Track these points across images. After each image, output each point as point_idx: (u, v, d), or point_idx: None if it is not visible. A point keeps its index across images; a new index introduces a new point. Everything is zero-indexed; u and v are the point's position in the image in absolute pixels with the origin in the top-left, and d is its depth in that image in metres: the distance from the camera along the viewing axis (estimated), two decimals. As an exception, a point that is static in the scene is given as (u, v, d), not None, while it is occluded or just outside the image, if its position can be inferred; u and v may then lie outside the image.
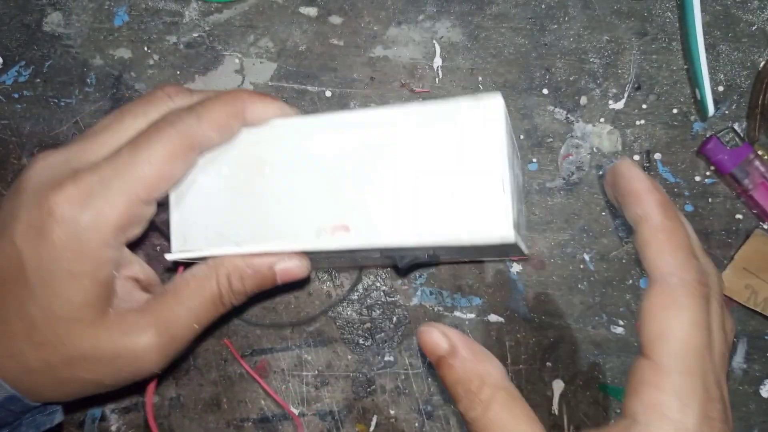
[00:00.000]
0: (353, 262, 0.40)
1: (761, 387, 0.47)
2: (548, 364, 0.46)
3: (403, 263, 0.31)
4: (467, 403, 0.28)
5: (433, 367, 0.46)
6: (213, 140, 0.29)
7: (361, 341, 0.46)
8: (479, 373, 0.28)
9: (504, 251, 0.33)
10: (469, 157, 0.27)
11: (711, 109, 0.45)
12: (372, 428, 0.46)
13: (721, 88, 0.47)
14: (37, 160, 0.29)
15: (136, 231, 0.29)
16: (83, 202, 0.27)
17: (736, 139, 0.45)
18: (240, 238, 0.30)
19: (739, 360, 0.47)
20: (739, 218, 0.47)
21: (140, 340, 0.29)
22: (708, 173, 0.47)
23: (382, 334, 0.46)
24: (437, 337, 0.29)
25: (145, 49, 0.47)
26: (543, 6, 0.47)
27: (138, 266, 0.32)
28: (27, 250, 0.27)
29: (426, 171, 0.28)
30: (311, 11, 0.47)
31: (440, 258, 0.33)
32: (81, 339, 0.28)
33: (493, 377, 0.27)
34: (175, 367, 0.46)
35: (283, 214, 0.29)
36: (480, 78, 0.47)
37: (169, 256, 0.31)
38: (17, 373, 0.28)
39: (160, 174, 0.28)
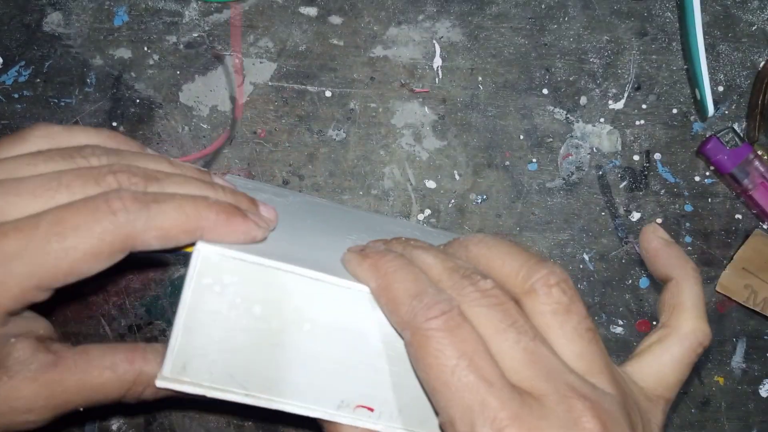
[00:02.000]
0: None
1: (760, 387, 0.47)
2: (548, 363, 0.46)
3: None
4: None
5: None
6: (151, 247, 0.25)
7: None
8: None
9: None
10: None
11: (711, 109, 0.45)
12: (372, 428, 0.46)
13: (720, 88, 0.47)
14: None
15: (25, 309, 0.27)
16: None
17: (736, 139, 0.45)
18: (250, 385, 0.26)
19: (738, 360, 0.47)
20: (738, 218, 0.47)
21: (23, 417, 0.27)
22: (708, 173, 0.47)
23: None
24: None
25: (145, 49, 0.47)
26: (543, 6, 0.47)
27: (42, 328, 0.28)
28: None
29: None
30: (311, 11, 0.47)
31: None
32: None
33: None
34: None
35: (309, 376, 0.27)
36: (480, 78, 0.47)
37: (159, 383, 0.26)
38: None
39: (72, 269, 0.24)
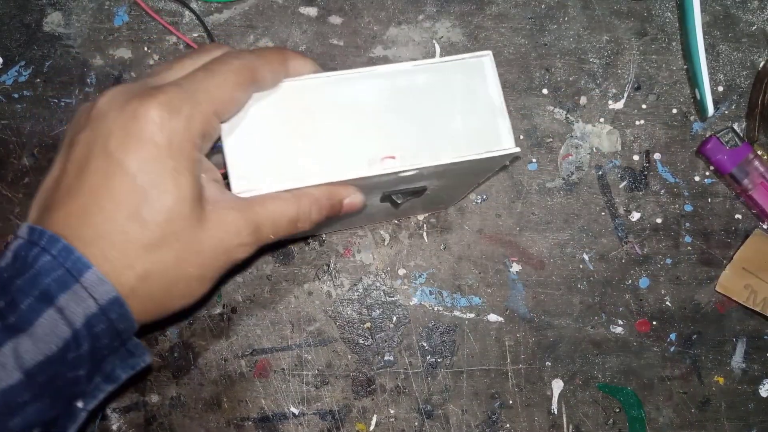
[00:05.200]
0: (369, 218, 0.45)
1: (760, 387, 0.47)
2: (548, 363, 0.46)
3: (401, 200, 0.38)
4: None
5: (433, 366, 0.46)
6: (267, 80, 0.33)
7: (361, 341, 0.46)
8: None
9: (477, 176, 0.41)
10: (476, 97, 0.34)
11: (710, 109, 0.45)
12: (372, 427, 0.46)
13: (720, 88, 0.47)
14: (108, 90, 0.32)
15: (208, 145, 0.33)
16: (174, 110, 0.30)
17: (736, 139, 0.45)
18: (299, 174, 0.34)
19: (738, 360, 0.47)
20: (738, 218, 0.47)
21: (237, 237, 0.33)
22: (707, 173, 0.47)
23: (382, 333, 0.46)
24: None
25: (145, 49, 0.47)
26: (543, 6, 0.47)
27: (218, 172, 0.35)
28: (129, 159, 0.29)
29: (445, 109, 0.34)
30: (311, 11, 0.47)
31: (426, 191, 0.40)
32: (191, 233, 0.31)
33: None
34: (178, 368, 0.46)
35: (335, 151, 0.34)
36: (480, 78, 0.47)
37: (235, 193, 0.34)
38: (133, 283, 0.31)
39: (230, 98, 0.32)
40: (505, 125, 0.34)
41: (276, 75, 0.33)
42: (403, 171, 0.34)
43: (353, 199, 0.36)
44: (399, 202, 0.38)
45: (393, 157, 0.34)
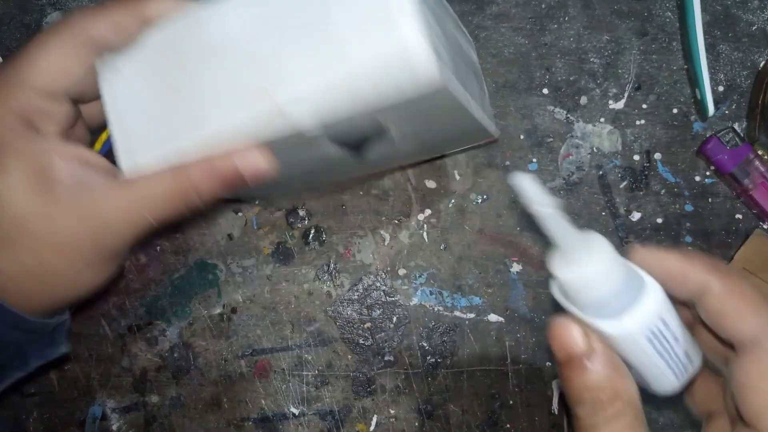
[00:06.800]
0: (327, 176, 0.39)
1: (761, 387, 0.47)
2: (548, 363, 0.46)
3: (352, 140, 0.32)
4: (590, 410, 0.26)
5: (433, 366, 0.46)
6: (110, 40, 0.30)
7: (361, 341, 0.46)
8: (615, 385, 0.26)
9: (463, 125, 0.33)
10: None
11: (711, 109, 0.45)
12: (372, 428, 0.46)
13: (721, 88, 0.47)
14: None
15: (51, 128, 0.30)
16: None
17: (736, 139, 0.45)
18: (179, 138, 0.30)
19: (738, 360, 0.47)
20: (738, 218, 0.47)
21: (110, 229, 0.30)
22: (708, 173, 0.47)
23: (382, 333, 0.46)
24: (576, 334, 0.25)
25: (145, 48, 0.47)
26: (543, 6, 0.47)
27: (89, 154, 0.31)
28: None
29: (330, 27, 0.27)
30: (311, 11, 0.47)
31: (389, 132, 0.32)
32: (36, 225, 0.29)
33: (628, 395, 0.26)
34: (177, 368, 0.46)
35: (214, 101, 0.29)
36: (480, 78, 0.47)
37: (126, 174, 0.31)
38: (2, 286, 0.30)
39: (56, 68, 0.30)
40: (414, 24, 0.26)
41: (122, 30, 0.30)
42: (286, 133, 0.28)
43: (246, 158, 0.29)
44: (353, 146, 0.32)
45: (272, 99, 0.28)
